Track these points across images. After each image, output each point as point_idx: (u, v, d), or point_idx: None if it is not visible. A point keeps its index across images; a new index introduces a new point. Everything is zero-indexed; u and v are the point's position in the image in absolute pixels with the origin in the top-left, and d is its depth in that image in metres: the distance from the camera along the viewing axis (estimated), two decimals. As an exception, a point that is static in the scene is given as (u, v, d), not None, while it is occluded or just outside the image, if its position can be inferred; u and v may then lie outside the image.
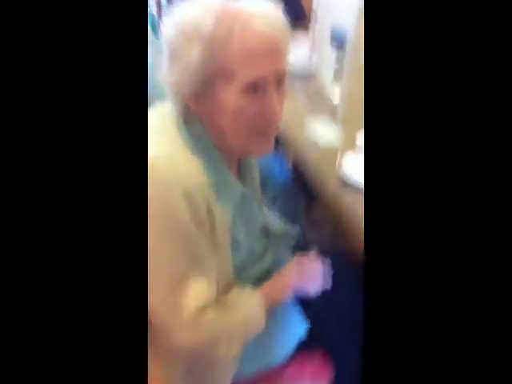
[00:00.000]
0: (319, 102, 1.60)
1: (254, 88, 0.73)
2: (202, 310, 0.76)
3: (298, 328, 0.98)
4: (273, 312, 0.98)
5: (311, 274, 0.95)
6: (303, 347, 0.99)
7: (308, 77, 1.72)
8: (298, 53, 1.70)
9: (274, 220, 1.12)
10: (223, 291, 0.84)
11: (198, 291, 0.76)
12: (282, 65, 0.75)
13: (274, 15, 0.74)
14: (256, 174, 0.97)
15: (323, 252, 1.64)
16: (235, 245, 0.85)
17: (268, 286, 0.90)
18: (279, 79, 0.76)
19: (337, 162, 1.14)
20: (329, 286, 0.96)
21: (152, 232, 0.67)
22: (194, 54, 0.71)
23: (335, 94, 1.70)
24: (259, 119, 0.76)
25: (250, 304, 0.84)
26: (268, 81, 0.73)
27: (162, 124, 0.80)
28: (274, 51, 0.73)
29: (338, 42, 1.87)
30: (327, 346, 1.02)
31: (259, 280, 0.97)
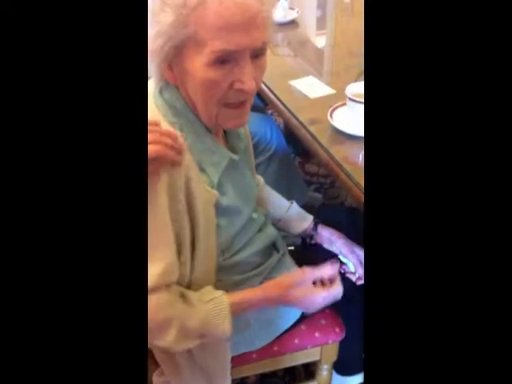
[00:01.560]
0: (304, 52, 1.55)
1: (224, 60, 0.68)
2: (152, 289, 0.74)
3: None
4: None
5: (313, 302, 0.85)
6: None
7: (291, 26, 1.66)
8: (278, 2, 1.63)
9: (271, 192, 1.10)
10: (205, 273, 0.83)
11: (154, 270, 0.73)
12: (260, 36, 0.69)
13: None
14: (247, 143, 0.93)
15: (324, 207, 1.64)
16: (227, 212, 0.83)
17: (249, 294, 0.84)
18: (257, 51, 0.71)
19: (328, 114, 1.10)
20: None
21: None
22: (166, 19, 0.68)
23: (320, 41, 1.65)
24: (230, 92, 0.72)
25: (213, 307, 0.79)
26: (241, 53, 0.68)
27: None
28: (251, 23, 0.67)
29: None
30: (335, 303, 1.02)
31: (266, 250, 0.96)
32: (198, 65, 0.69)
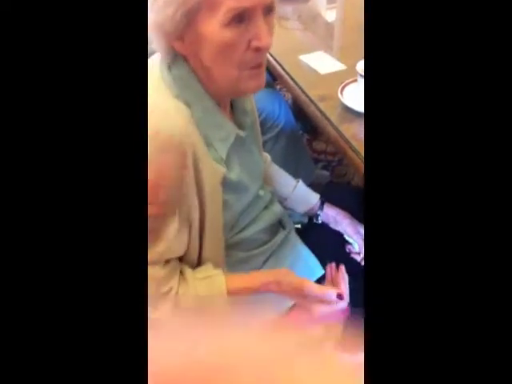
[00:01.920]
0: (314, 27, 1.52)
1: (240, 18, 0.68)
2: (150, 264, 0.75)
3: (311, 273, 0.98)
4: (285, 256, 0.97)
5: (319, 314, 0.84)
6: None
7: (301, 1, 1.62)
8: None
9: (277, 170, 1.08)
10: (213, 250, 0.83)
11: (155, 247, 0.74)
12: None
13: None
14: (254, 119, 0.92)
15: (331, 185, 1.63)
16: (234, 188, 0.82)
17: (248, 278, 0.84)
18: (268, 8, 0.70)
19: (339, 90, 1.08)
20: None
21: None
22: None
23: (330, 15, 1.61)
24: (248, 52, 0.71)
25: (207, 285, 0.79)
26: (255, 10, 0.68)
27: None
28: None
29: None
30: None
31: (273, 227, 0.96)
32: (215, 27, 0.68)
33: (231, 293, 0.80)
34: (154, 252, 0.74)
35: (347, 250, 1.03)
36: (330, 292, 0.82)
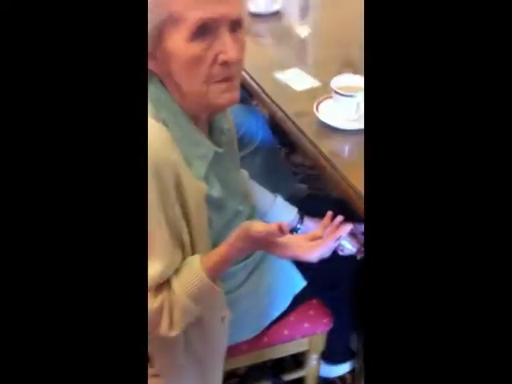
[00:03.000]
0: (288, 42, 1.55)
1: (204, 32, 0.70)
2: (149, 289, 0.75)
3: (293, 285, 0.99)
4: (268, 270, 0.98)
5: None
6: (299, 298, 1.00)
7: (274, 17, 1.65)
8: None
9: (255, 186, 1.10)
10: None
11: (149, 272, 0.73)
12: (235, 7, 0.71)
13: None
14: (232, 137, 0.94)
15: (310, 198, 1.65)
16: (215, 205, 0.83)
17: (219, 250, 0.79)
18: (234, 23, 0.72)
19: (314, 107, 1.11)
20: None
21: None
22: None
23: (303, 31, 1.65)
24: (215, 67, 0.72)
25: (189, 274, 0.77)
26: (219, 23, 0.70)
27: None
28: None
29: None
30: (322, 295, 1.04)
31: None
32: (180, 42, 0.70)
33: (210, 269, 0.77)
34: (153, 273, 0.74)
35: (340, 252, 1.02)
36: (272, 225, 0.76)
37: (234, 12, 0.71)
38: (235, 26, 0.72)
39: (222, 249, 0.77)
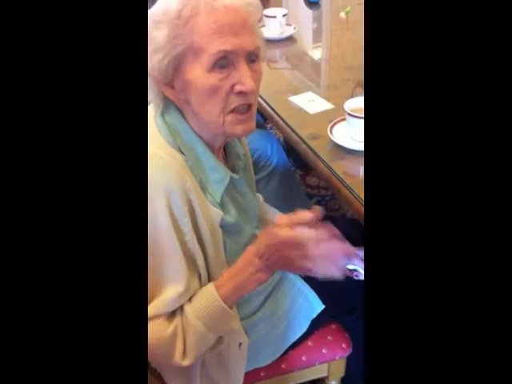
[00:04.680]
0: (301, 66, 1.57)
1: (223, 63, 0.71)
2: (157, 316, 0.75)
3: (311, 309, 0.98)
4: (284, 294, 0.97)
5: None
6: (317, 323, 0.99)
7: (288, 42, 1.67)
8: (275, 19, 1.64)
9: (270, 209, 1.09)
10: None
11: (163, 299, 0.74)
12: (252, 40, 0.73)
13: None
14: (247, 163, 0.94)
15: (326, 220, 1.64)
16: (231, 231, 0.83)
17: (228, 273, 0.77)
18: (251, 55, 0.74)
19: (328, 128, 1.11)
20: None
21: None
22: (162, 34, 0.71)
23: (317, 53, 1.67)
24: (232, 96, 0.73)
25: (204, 300, 0.76)
26: (237, 55, 0.72)
27: None
28: (242, 25, 0.71)
29: None
30: (340, 320, 1.02)
31: None
32: (199, 72, 0.71)
33: (227, 297, 0.76)
34: (168, 298, 0.74)
35: (354, 277, 1.02)
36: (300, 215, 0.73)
37: (251, 44, 0.73)
38: (252, 56, 0.74)
39: (235, 272, 0.76)
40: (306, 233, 0.71)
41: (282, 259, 0.72)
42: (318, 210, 0.73)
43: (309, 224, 0.72)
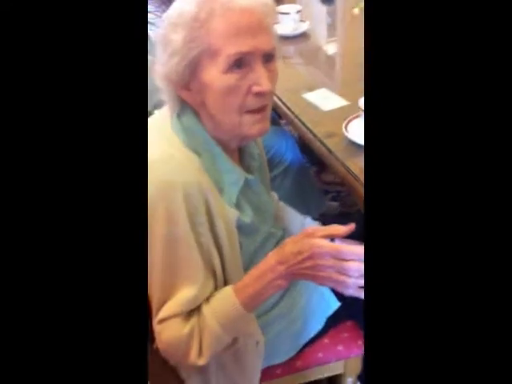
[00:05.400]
0: (316, 62, 1.56)
1: (239, 64, 0.72)
2: (173, 316, 0.75)
3: (327, 306, 0.98)
4: (300, 291, 0.98)
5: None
6: (333, 320, 0.99)
7: (302, 38, 1.66)
8: (288, 16, 1.63)
9: (285, 208, 1.10)
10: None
11: (179, 298, 0.75)
12: (268, 40, 0.73)
13: None
14: (262, 162, 0.94)
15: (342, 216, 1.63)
16: (247, 230, 0.84)
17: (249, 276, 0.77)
18: (267, 55, 0.74)
19: (343, 125, 1.11)
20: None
21: (151, 234, 0.71)
22: (178, 37, 0.71)
23: (331, 49, 1.66)
24: (249, 97, 0.74)
25: (222, 302, 0.77)
26: (254, 56, 0.72)
27: (156, 124, 0.80)
28: (258, 26, 0.72)
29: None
30: (355, 317, 1.02)
31: None
32: (216, 74, 0.72)
33: (245, 302, 0.76)
34: (185, 298, 0.75)
35: None
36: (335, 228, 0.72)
37: (268, 44, 0.73)
38: (268, 57, 0.74)
39: (255, 278, 0.75)
40: (348, 247, 0.70)
41: (313, 268, 0.71)
42: (353, 226, 0.72)
43: (341, 237, 0.72)
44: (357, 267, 0.69)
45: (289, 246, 0.74)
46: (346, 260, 0.69)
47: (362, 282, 0.69)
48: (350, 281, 0.69)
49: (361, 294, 0.70)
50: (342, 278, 0.70)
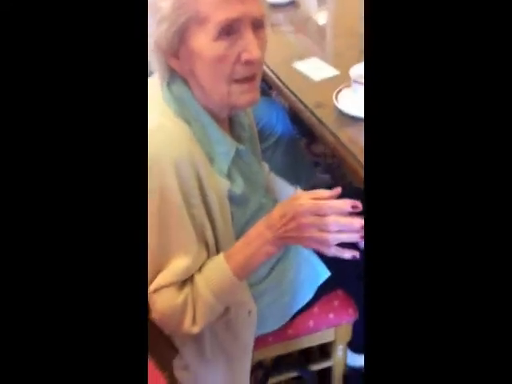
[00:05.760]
0: (306, 30, 1.53)
1: (228, 31, 0.70)
2: (167, 285, 0.76)
3: (317, 276, 0.99)
4: (291, 261, 0.99)
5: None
6: (324, 289, 1.00)
7: (291, 7, 1.63)
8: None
9: (275, 179, 1.09)
10: None
11: (173, 269, 0.75)
12: (257, 7, 0.72)
13: None
14: (252, 133, 0.94)
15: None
16: (238, 201, 0.84)
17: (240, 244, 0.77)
18: (256, 22, 0.73)
19: (333, 96, 1.10)
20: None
21: None
22: (167, 4, 0.70)
23: (321, 18, 1.63)
24: (238, 66, 0.73)
25: (214, 271, 0.77)
26: (243, 22, 0.71)
27: (149, 93, 0.77)
28: None
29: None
30: (347, 286, 1.03)
31: None
32: (205, 41, 0.70)
33: (236, 268, 0.76)
34: (178, 268, 0.75)
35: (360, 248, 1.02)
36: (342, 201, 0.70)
37: (256, 11, 0.72)
38: (257, 24, 0.73)
39: (246, 245, 0.76)
40: (327, 202, 0.70)
41: (297, 229, 0.71)
42: (339, 190, 0.72)
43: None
44: (335, 221, 0.68)
45: (276, 211, 0.74)
46: (326, 216, 0.69)
47: (342, 237, 0.69)
48: (330, 236, 0.69)
49: (343, 254, 0.70)
50: (323, 235, 0.69)
